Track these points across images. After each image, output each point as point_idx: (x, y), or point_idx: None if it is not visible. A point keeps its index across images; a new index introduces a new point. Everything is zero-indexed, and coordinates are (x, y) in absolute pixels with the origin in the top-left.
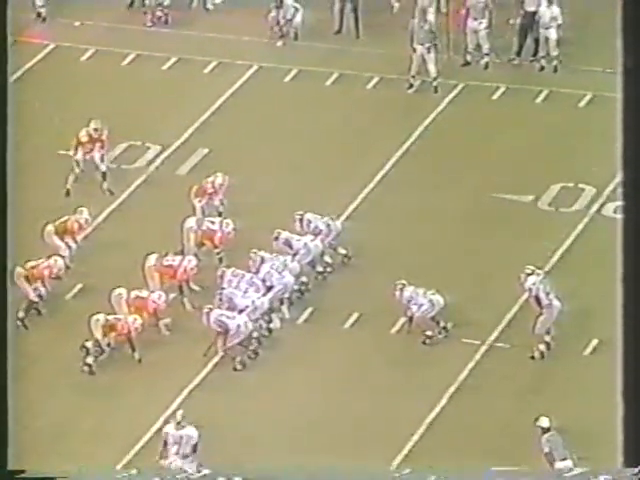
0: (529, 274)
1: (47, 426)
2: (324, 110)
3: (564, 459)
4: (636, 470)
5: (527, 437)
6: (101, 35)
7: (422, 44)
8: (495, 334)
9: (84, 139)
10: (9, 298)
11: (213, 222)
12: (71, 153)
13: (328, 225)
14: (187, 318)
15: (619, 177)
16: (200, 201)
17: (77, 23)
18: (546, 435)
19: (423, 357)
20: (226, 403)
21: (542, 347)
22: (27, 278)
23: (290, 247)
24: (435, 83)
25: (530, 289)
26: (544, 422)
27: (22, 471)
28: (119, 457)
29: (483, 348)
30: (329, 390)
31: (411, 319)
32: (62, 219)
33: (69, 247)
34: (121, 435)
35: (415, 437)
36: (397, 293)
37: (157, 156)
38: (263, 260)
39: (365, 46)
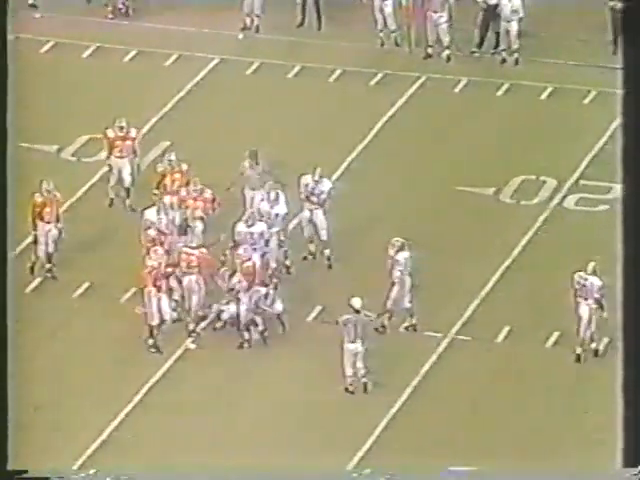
0: (589, 275)
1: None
2: (286, 103)
3: (353, 341)
4: (636, 470)
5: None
6: (61, 27)
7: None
8: (457, 326)
9: (110, 135)
10: (9, 297)
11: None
12: (104, 157)
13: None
14: None
15: (579, 171)
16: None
17: (37, 15)
18: (350, 315)
19: (386, 350)
20: (183, 400)
21: (594, 345)
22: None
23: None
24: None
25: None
26: (356, 303)
27: (22, 471)
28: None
29: (445, 341)
30: (292, 387)
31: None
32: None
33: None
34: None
35: (375, 435)
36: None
37: None
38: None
39: (327, 39)
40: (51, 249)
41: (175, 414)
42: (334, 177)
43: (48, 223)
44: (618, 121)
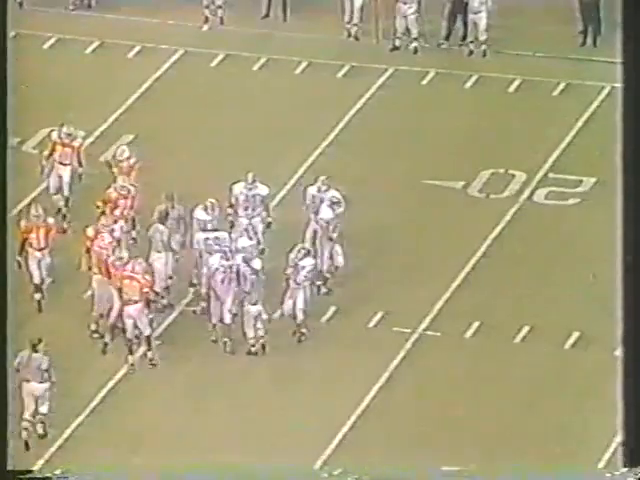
0: None
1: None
2: (251, 95)
3: (255, 304)
4: (637, 470)
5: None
6: (22, 18)
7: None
8: (426, 322)
9: (54, 137)
10: (8, 296)
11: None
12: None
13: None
14: None
15: (548, 164)
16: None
17: None
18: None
19: (353, 346)
20: (149, 402)
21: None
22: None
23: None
24: None
25: None
26: (256, 264)
27: (22, 471)
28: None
29: (414, 336)
30: (257, 385)
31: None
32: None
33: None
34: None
35: (342, 433)
36: None
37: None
38: None
39: (293, 30)
40: (39, 279)
41: (140, 413)
42: (300, 171)
43: (38, 250)
44: (589, 113)
